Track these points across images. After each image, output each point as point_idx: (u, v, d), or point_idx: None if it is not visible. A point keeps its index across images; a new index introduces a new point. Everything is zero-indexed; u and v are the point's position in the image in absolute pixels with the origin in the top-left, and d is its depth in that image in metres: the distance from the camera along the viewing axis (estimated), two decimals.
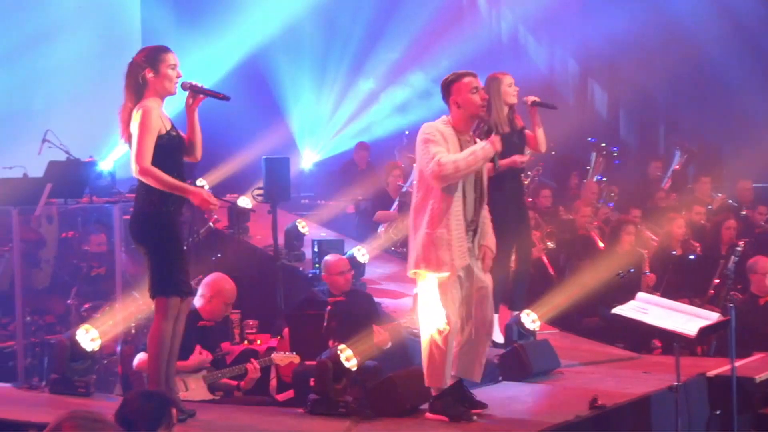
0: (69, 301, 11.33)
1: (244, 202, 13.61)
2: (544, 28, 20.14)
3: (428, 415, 7.55)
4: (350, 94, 19.31)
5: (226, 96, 7.42)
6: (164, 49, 7.38)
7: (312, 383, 8.21)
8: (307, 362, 9.27)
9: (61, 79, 16.44)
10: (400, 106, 19.45)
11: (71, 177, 12.17)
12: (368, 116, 19.27)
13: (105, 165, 14.45)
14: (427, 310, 7.41)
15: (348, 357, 7.79)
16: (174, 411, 5.48)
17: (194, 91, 7.34)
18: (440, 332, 7.31)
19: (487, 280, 7.56)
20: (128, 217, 11.51)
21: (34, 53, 16.13)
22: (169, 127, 7.29)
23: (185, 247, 7.59)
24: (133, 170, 7.23)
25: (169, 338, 7.31)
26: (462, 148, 7.40)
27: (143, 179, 7.22)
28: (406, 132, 18.22)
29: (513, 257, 10.03)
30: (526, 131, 9.89)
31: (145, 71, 7.27)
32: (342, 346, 7.85)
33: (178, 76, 7.34)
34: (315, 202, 16.44)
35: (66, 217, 12.85)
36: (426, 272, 7.38)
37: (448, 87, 7.55)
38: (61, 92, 16.33)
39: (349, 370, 7.81)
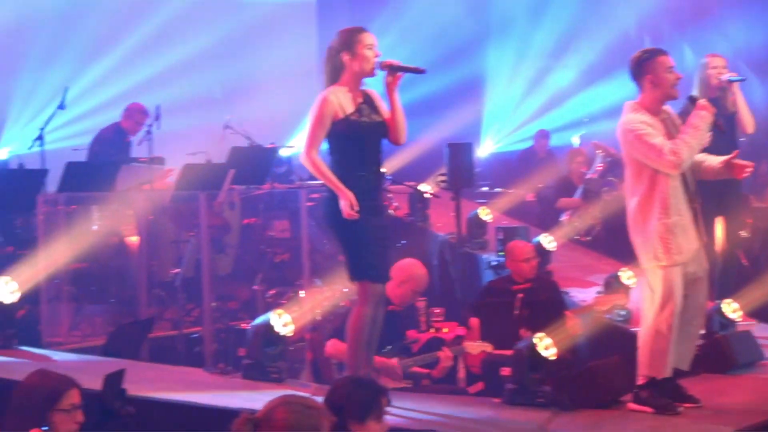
0: (255, 287, 11.29)
1: (426, 188, 13.42)
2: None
3: (631, 405, 7.26)
4: (544, 84, 18.83)
5: (422, 69, 7.22)
6: (360, 30, 7.21)
7: (503, 372, 8.02)
8: (498, 351, 9.07)
9: (239, 66, 16.50)
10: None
11: (254, 163, 12.18)
12: (551, 104, 18.80)
13: (285, 152, 14.51)
14: (654, 297, 7.11)
15: (547, 346, 7.55)
16: (384, 400, 5.31)
17: (392, 69, 7.15)
18: (667, 320, 7.02)
19: (705, 265, 7.26)
20: (311, 203, 11.79)
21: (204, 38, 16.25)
22: (350, 111, 7.11)
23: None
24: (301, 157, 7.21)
25: (369, 324, 7.15)
26: (666, 127, 7.12)
27: (307, 167, 7.18)
28: (586, 119, 17.84)
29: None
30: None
31: (342, 54, 7.12)
32: (540, 335, 7.61)
33: (376, 56, 7.16)
34: (493, 191, 16.17)
35: (247, 203, 12.85)
36: (664, 261, 7.08)
37: (641, 65, 7.21)
38: (240, 78, 16.39)
39: (547, 359, 7.56)
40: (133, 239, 11.93)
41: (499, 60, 18.58)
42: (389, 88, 7.17)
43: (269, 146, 13.36)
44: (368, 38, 7.14)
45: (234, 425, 4.38)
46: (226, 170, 11.42)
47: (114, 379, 6.02)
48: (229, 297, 11.79)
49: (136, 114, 13.11)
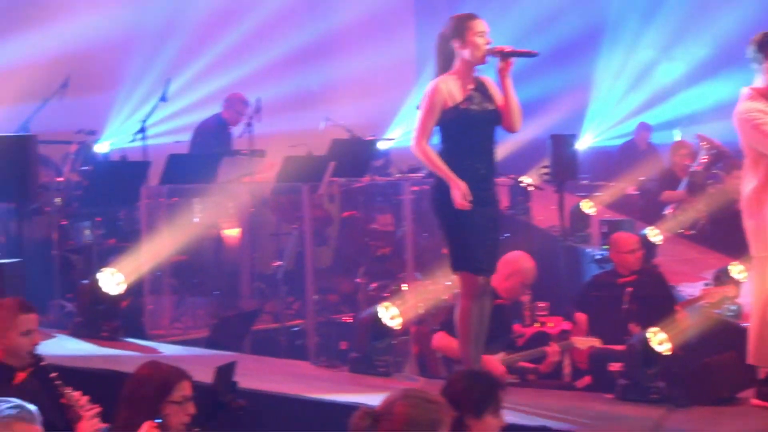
0: (357, 280, 11.21)
1: (527, 181, 13.25)
2: None
3: (755, 401, 7.06)
4: (650, 80, 18.49)
5: (534, 52, 7.07)
6: (471, 17, 7.08)
7: (612, 368, 7.87)
8: (605, 346, 8.90)
9: (338, 60, 16.45)
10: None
11: (354, 155, 12.11)
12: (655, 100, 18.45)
13: (383, 145, 14.41)
14: (765, 286, 6.92)
15: (661, 341, 7.39)
16: (501, 394, 5.18)
17: (503, 55, 7.01)
18: None
19: None
20: (408, 197, 11.69)
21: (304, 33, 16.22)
22: (459, 99, 6.99)
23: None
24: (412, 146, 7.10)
25: (474, 316, 7.04)
26: None
27: (418, 157, 7.09)
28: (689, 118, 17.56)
29: None
30: None
31: (453, 42, 7.01)
32: (654, 329, 7.45)
33: (487, 44, 7.03)
34: (594, 184, 15.93)
35: (346, 196, 12.77)
36: None
37: (762, 47, 6.99)
38: (339, 70, 16.34)
39: (661, 354, 7.41)
40: (232, 232, 11.91)
41: (609, 54, 18.29)
42: (501, 75, 7.05)
43: (369, 138, 13.26)
44: (479, 25, 7.01)
45: (353, 419, 4.30)
46: (327, 162, 11.35)
47: (225, 372, 5.95)
48: (329, 290, 11.72)
49: (236, 104, 13.07)
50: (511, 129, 7.16)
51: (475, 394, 5.09)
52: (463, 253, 7.03)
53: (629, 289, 9.22)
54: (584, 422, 6.88)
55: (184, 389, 5.43)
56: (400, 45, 16.98)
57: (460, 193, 6.85)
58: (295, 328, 11.02)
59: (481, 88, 7.10)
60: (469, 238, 6.98)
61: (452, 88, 6.98)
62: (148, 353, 8.00)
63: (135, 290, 9.69)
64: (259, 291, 11.69)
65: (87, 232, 10.99)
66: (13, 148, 8.92)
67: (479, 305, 7.05)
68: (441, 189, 7.00)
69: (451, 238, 7.07)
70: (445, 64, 7.06)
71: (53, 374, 5.75)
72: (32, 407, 4.15)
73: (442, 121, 6.99)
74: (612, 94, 18.40)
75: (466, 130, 7.00)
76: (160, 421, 5.13)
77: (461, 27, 7.02)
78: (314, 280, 11.03)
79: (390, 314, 7.94)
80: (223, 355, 7.86)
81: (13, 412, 4.08)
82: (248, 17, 15.20)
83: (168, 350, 8.57)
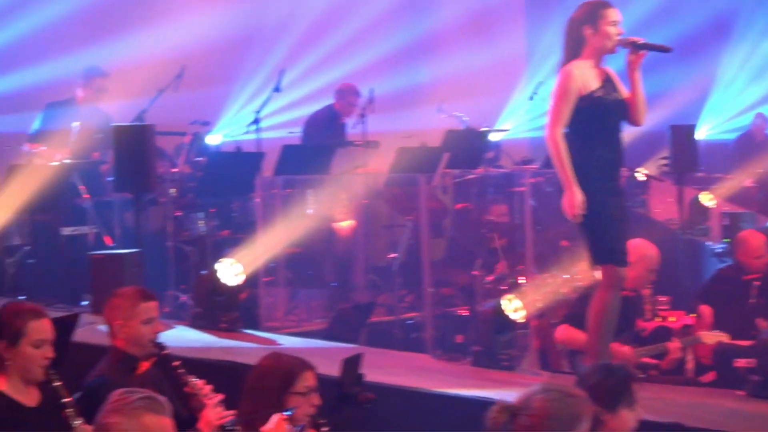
0: (474, 273, 11.05)
1: (643, 173, 12.99)
2: None
3: None
4: None
5: (668, 47, 6.88)
6: (604, 5, 6.91)
7: (738, 363, 7.65)
8: (732, 341, 8.65)
9: (449, 51, 16.33)
10: None
11: (468, 147, 11.96)
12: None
13: (494, 136, 14.23)
14: None
15: None
16: (636, 387, 5.01)
17: (635, 47, 6.83)
18: None
19: None
20: (524, 188, 11.50)
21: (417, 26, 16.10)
22: (594, 87, 6.82)
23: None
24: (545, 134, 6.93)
25: (612, 309, 6.87)
26: None
27: (547, 146, 6.89)
28: None
29: None
30: None
31: (584, 28, 6.83)
32: None
33: (619, 34, 6.85)
34: (711, 176, 15.61)
35: (459, 187, 12.60)
36: None
37: None
38: (449, 63, 16.21)
39: None
40: (346, 224, 11.82)
41: (736, 47, 17.92)
42: (631, 67, 6.88)
43: (483, 129, 13.09)
44: (613, 14, 6.85)
45: (490, 414, 4.15)
46: (441, 153, 11.21)
47: (352, 364, 5.84)
48: (443, 282, 11.57)
49: (348, 94, 12.96)
50: (636, 122, 7.01)
51: (610, 387, 4.93)
52: (604, 246, 6.88)
53: (757, 284, 8.94)
54: (717, 420, 6.66)
55: (308, 380, 5.35)
56: (511, 37, 16.80)
57: (575, 202, 6.69)
58: (410, 321, 10.90)
59: (608, 78, 6.94)
60: (609, 230, 6.86)
61: (587, 75, 6.81)
62: (267, 345, 7.96)
63: (250, 282, 9.67)
64: (372, 283, 11.59)
65: (201, 223, 10.97)
66: (132, 139, 8.95)
67: (617, 297, 6.88)
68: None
69: (590, 232, 6.89)
70: (574, 50, 6.89)
71: (175, 363, 5.71)
72: (162, 398, 4.06)
73: (575, 109, 6.80)
74: (733, 86, 18.02)
75: (600, 119, 6.83)
76: (289, 413, 5.03)
77: (595, 14, 6.85)
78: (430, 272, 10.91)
79: (513, 306, 7.80)
80: (343, 348, 7.80)
81: (143, 403, 4.00)
82: (362, 10, 15.14)
83: (286, 342, 8.52)
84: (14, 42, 12.73)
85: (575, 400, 4.19)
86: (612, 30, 6.82)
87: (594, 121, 6.81)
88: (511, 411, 4.13)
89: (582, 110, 6.78)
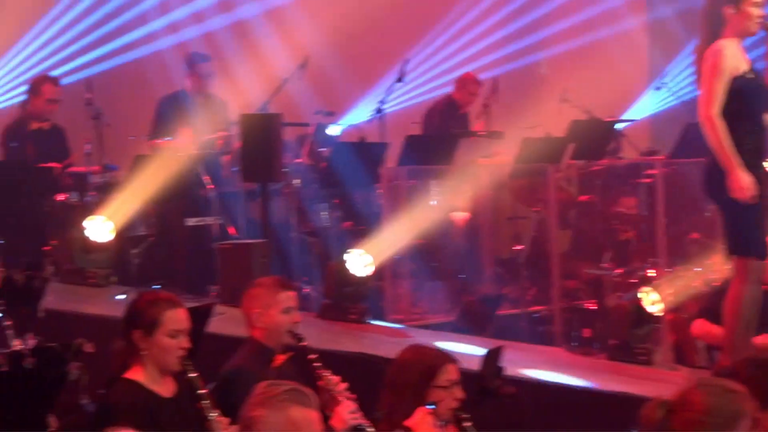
0: (603, 265, 10.84)
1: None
2: None
3: None
4: None
5: None
6: None
7: None
8: None
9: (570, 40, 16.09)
10: None
11: (593, 137, 11.72)
12: None
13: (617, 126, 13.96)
14: None
15: None
16: None
17: None
18: None
19: None
20: (650, 180, 11.25)
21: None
22: (745, 69, 6.57)
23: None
24: (699, 116, 6.64)
25: (750, 304, 6.62)
26: None
27: (704, 128, 6.59)
28: None
29: None
30: None
31: (725, 8, 6.59)
32: None
33: (761, 16, 6.59)
34: None
35: (583, 179, 12.39)
36: None
37: None
38: (570, 53, 15.97)
39: None
40: (465, 215, 11.67)
41: None
42: None
43: (609, 119, 12.82)
44: None
45: (645, 410, 3.99)
46: (566, 144, 11.01)
47: (493, 357, 5.71)
48: (569, 275, 11.37)
49: (468, 84, 12.74)
50: None
51: (759, 383, 4.70)
52: (746, 237, 6.65)
53: None
54: None
55: (450, 373, 5.23)
56: (633, 24, 16.50)
57: (744, 183, 6.43)
58: (536, 314, 10.73)
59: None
60: (753, 221, 6.60)
61: (737, 55, 6.56)
62: (398, 337, 7.86)
63: (376, 273, 9.59)
64: (496, 276, 11.43)
65: (324, 214, 10.90)
66: (260, 128, 8.90)
67: (756, 291, 6.64)
68: (713, 171, 6.60)
69: (730, 222, 6.66)
70: (713, 31, 6.65)
71: (312, 356, 5.62)
72: (308, 390, 3.96)
73: (729, 90, 6.55)
74: None
75: (751, 103, 6.60)
76: (433, 407, 4.91)
77: None
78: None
79: (651, 300, 7.60)
80: (475, 340, 7.67)
81: (289, 395, 3.89)
82: None
83: (415, 334, 8.41)
84: None
85: (737, 396, 4.00)
86: (755, 11, 6.58)
87: (743, 105, 6.57)
88: (668, 407, 3.96)
89: (734, 92, 6.53)
